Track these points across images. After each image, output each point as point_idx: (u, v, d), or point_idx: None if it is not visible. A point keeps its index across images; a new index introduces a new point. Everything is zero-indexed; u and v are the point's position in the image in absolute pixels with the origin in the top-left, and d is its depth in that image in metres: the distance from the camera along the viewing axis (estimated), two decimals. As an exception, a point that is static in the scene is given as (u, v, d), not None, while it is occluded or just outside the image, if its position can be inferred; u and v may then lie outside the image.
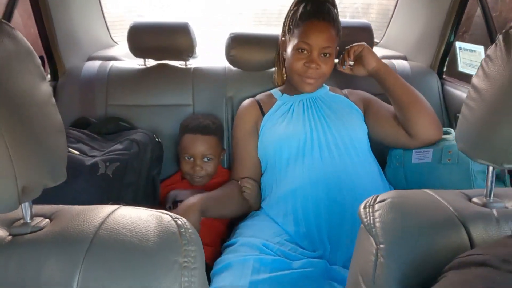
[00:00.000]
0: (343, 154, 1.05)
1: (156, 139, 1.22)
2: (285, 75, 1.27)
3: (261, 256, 0.87)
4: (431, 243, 0.49)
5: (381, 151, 1.24)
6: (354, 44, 1.11)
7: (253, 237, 0.95)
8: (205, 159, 1.19)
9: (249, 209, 1.12)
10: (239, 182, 1.11)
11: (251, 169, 1.15)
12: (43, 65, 1.36)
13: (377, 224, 0.51)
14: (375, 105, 1.20)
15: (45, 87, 0.45)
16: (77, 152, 1.03)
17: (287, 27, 1.15)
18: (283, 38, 1.19)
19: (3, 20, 0.42)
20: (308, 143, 1.07)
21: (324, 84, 1.24)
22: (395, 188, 1.17)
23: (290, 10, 1.16)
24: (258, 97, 1.25)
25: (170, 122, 1.34)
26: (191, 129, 1.20)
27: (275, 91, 1.23)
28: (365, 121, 1.19)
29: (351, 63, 1.15)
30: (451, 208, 0.53)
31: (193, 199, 1.00)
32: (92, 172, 0.99)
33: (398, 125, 1.12)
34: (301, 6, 1.10)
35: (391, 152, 1.24)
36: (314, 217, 0.98)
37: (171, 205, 1.17)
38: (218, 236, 1.12)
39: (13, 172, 0.40)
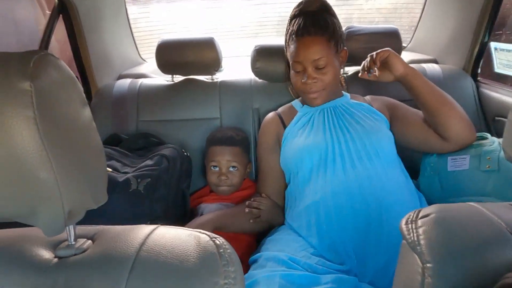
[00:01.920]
0: (366, 164, 1.02)
1: (185, 153, 1.24)
2: None
3: (288, 271, 0.86)
4: (482, 261, 0.46)
5: (412, 159, 1.19)
6: (379, 50, 1.08)
7: (278, 251, 0.94)
8: (231, 169, 1.21)
9: (273, 223, 1.12)
10: (248, 203, 1.11)
11: (275, 182, 1.16)
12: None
13: (422, 242, 0.48)
14: (402, 110, 1.16)
15: (87, 113, 0.47)
16: (110, 170, 1.07)
17: (286, 44, 1.16)
18: (287, 53, 1.18)
19: (48, 52, 0.44)
20: (330, 154, 1.05)
21: (344, 92, 1.22)
22: (429, 198, 1.12)
23: (287, 25, 1.16)
24: (280, 109, 1.25)
25: (198, 136, 1.37)
26: (216, 141, 1.24)
27: (296, 103, 1.23)
28: (391, 127, 1.15)
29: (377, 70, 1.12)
30: (502, 222, 0.49)
31: (207, 216, 1.06)
32: (124, 189, 1.02)
33: (429, 128, 1.09)
34: (295, 22, 1.11)
35: (425, 160, 1.19)
36: (338, 229, 0.96)
37: None
38: (248, 250, 1.11)
39: (60, 197, 0.42)
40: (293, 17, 1.15)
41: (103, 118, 1.39)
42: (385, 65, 1.08)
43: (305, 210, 1.01)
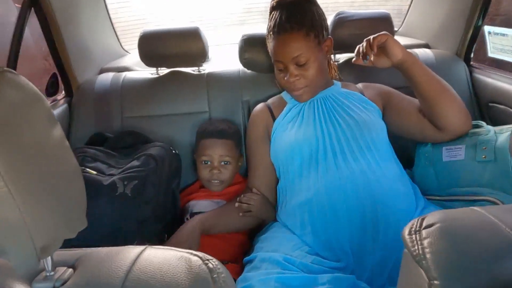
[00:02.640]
0: (358, 158, 0.99)
1: (173, 151, 1.19)
2: None
3: (283, 273, 0.83)
4: (492, 276, 0.43)
5: (406, 147, 1.17)
6: (376, 35, 1.00)
7: (273, 251, 0.92)
8: (223, 163, 1.17)
9: (264, 219, 1.10)
10: (238, 199, 1.09)
11: (266, 176, 1.12)
12: (57, 82, 1.37)
13: (428, 256, 0.45)
14: (396, 98, 1.13)
15: (57, 131, 0.42)
16: (94, 172, 1.02)
17: (267, 39, 1.11)
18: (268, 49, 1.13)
19: (5, 68, 0.39)
20: (321, 149, 1.01)
21: (335, 81, 1.18)
22: (424, 189, 1.11)
23: (269, 17, 1.11)
24: (269, 101, 1.21)
25: (187, 131, 1.32)
26: (207, 134, 1.19)
27: (286, 94, 1.18)
28: (384, 117, 1.12)
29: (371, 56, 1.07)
30: (510, 230, 0.46)
31: (194, 221, 1.04)
32: (111, 192, 0.98)
33: (424, 118, 1.05)
34: (273, 16, 1.07)
35: (419, 150, 1.17)
36: (333, 226, 0.94)
37: (189, 217, 1.15)
38: (241, 248, 1.09)
39: (28, 235, 0.37)
40: (272, 10, 1.09)
41: (85, 116, 1.32)
42: (382, 50, 1.02)
43: (299, 207, 0.99)
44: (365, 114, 1.06)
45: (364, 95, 1.13)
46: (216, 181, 1.17)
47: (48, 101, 0.43)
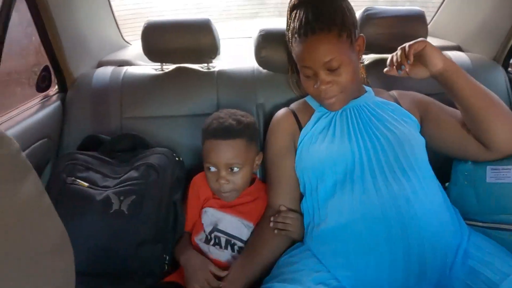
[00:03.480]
0: (400, 180, 0.85)
1: (176, 158, 1.04)
2: None
3: None
4: None
5: (440, 162, 1.02)
6: (412, 42, 0.88)
7: (292, 281, 0.78)
8: (230, 169, 0.96)
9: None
10: (273, 219, 0.93)
11: (290, 192, 0.97)
12: (49, 76, 1.22)
13: None
14: (435, 110, 0.99)
15: (28, 187, 0.28)
16: (86, 184, 0.88)
17: (289, 41, 0.97)
18: (291, 51, 0.98)
19: None
20: (357, 167, 0.87)
21: (367, 87, 1.03)
22: (462, 210, 0.97)
23: (288, 16, 0.96)
24: (293, 106, 1.05)
25: (193, 134, 1.16)
26: (211, 133, 0.97)
27: (311, 99, 1.03)
28: (421, 130, 0.98)
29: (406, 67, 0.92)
30: None
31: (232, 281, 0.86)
32: (104, 209, 0.85)
33: (469, 133, 0.92)
34: (296, 15, 0.91)
35: (457, 166, 1.03)
36: (372, 260, 0.80)
37: (212, 235, 0.99)
38: None
39: None
40: (292, 8, 0.94)
41: (80, 116, 1.18)
42: (419, 58, 0.89)
43: (331, 233, 0.85)
44: (404, 127, 0.92)
45: (400, 105, 0.99)
46: (226, 193, 0.98)
47: (15, 144, 0.29)
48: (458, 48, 1.45)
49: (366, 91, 1.01)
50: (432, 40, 1.51)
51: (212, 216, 1.00)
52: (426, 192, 0.84)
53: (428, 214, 0.82)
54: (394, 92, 1.05)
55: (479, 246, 0.85)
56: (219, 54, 1.32)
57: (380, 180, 0.84)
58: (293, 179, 0.97)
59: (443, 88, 0.92)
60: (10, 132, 0.98)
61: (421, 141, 0.94)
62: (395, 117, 0.95)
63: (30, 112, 1.10)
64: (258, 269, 0.88)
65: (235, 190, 0.98)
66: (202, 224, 1.00)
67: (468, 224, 0.95)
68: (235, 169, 0.96)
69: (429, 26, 1.67)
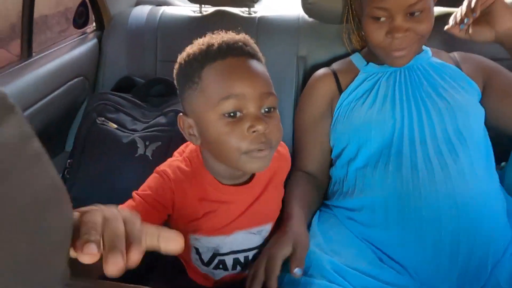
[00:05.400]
0: (442, 154, 0.74)
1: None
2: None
3: None
4: None
5: (498, 139, 0.89)
6: None
7: (332, 252, 0.68)
8: (265, 110, 0.58)
9: None
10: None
11: (322, 160, 0.88)
12: (87, 12, 1.19)
13: None
14: (502, 78, 0.84)
15: (7, 132, 0.24)
16: (115, 125, 0.87)
17: None
18: None
19: None
20: (396, 138, 0.77)
21: (424, 46, 0.88)
22: None
23: None
24: (334, 65, 0.93)
25: None
26: (222, 52, 0.58)
27: (358, 58, 0.91)
28: (482, 101, 0.84)
29: (470, 20, 0.77)
30: None
31: (303, 233, 0.69)
32: (129, 152, 0.83)
33: None
34: None
35: (520, 146, 0.90)
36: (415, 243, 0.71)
37: (209, 260, 0.70)
38: None
39: None
40: None
41: (115, 56, 1.15)
42: (485, 17, 0.75)
43: (358, 208, 0.77)
44: (461, 95, 0.79)
45: (460, 69, 0.85)
46: (261, 152, 0.57)
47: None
48: None
49: (422, 51, 0.87)
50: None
51: (208, 243, 0.68)
52: (477, 174, 0.73)
53: (476, 200, 0.71)
54: (455, 54, 0.90)
55: None
56: (262, -2, 1.21)
57: (420, 155, 0.74)
58: (326, 146, 0.88)
59: (509, 53, 0.78)
60: (45, 68, 0.98)
61: (480, 113, 0.81)
62: (451, 83, 0.82)
63: (67, 48, 1.09)
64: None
65: (273, 146, 0.60)
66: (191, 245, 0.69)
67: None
68: (270, 110, 0.60)
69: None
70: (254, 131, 0.55)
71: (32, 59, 0.99)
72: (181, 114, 0.63)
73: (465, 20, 0.75)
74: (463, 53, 0.90)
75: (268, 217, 0.71)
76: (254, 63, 0.59)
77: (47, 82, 0.97)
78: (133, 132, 0.88)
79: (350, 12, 0.95)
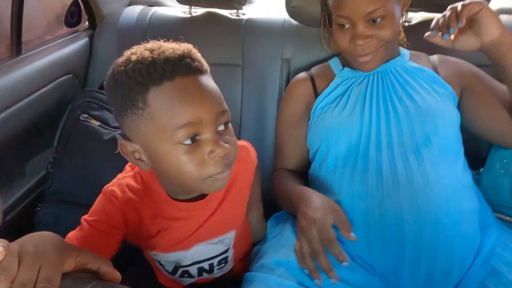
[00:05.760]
0: (407, 156, 0.75)
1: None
2: None
3: None
4: None
5: (474, 144, 0.90)
6: (466, 2, 0.72)
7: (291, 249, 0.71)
8: (221, 128, 0.55)
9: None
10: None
11: (299, 162, 0.92)
12: (79, 11, 1.22)
13: None
14: (481, 85, 0.84)
15: None
16: (98, 123, 0.89)
17: None
18: None
19: None
20: (363, 141, 0.78)
21: (403, 50, 0.90)
22: (492, 201, 0.86)
23: None
24: (313, 70, 0.96)
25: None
26: (168, 72, 0.52)
27: (335, 62, 0.93)
28: (459, 105, 0.85)
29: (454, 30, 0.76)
30: None
31: (326, 199, 0.73)
32: (110, 149, 0.85)
33: None
34: None
35: (495, 153, 0.91)
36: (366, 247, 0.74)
37: (173, 271, 0.72)
38: None
39: None
40: None
41: (105, 55, 1.18)
42: (470, 25, 0.73)
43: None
44: (434, 99, 0.80)
45: (437, 73, 0.86)
46: (223, 174, 0.55)
47: None
48: None
49: (399, 54, 0.89)
50: (501, 2, 1.29)
51: (167, 258, 0.69)
52: (441, 176, 0.74)
53: (438, 205, 0.72)
54: (434, 57, 0.91)
55: (506, 244, 0.75)
56: (252, 1, 1.23)
57: (386, 159, 0.75)
58: (303, 148, 0.91)
59: (493, 63, 0.77)
60: (36, 64, 1.01)
61: (453, 115, 0.82)
62: (424, 86, 0.82)
63: (58, 46, 1.12)
64: None
65: (230, 163, 0.58)
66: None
67: (496, 217, 0.85)
68: (225, 126, 0.58)
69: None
70: (214, 156, 0.53)
71: (22, 56, 1.02)
72: (122, 140, 0.55)
73: (450, 30, 0.72)
74: (443, 56, 0.91)
75: (229, 225, 0.70)
76: (204, 80, 0.54)
77: (36, 79, 1.00)
78: (115, 130, 0.90)
79: (326, 17, 0.97)
